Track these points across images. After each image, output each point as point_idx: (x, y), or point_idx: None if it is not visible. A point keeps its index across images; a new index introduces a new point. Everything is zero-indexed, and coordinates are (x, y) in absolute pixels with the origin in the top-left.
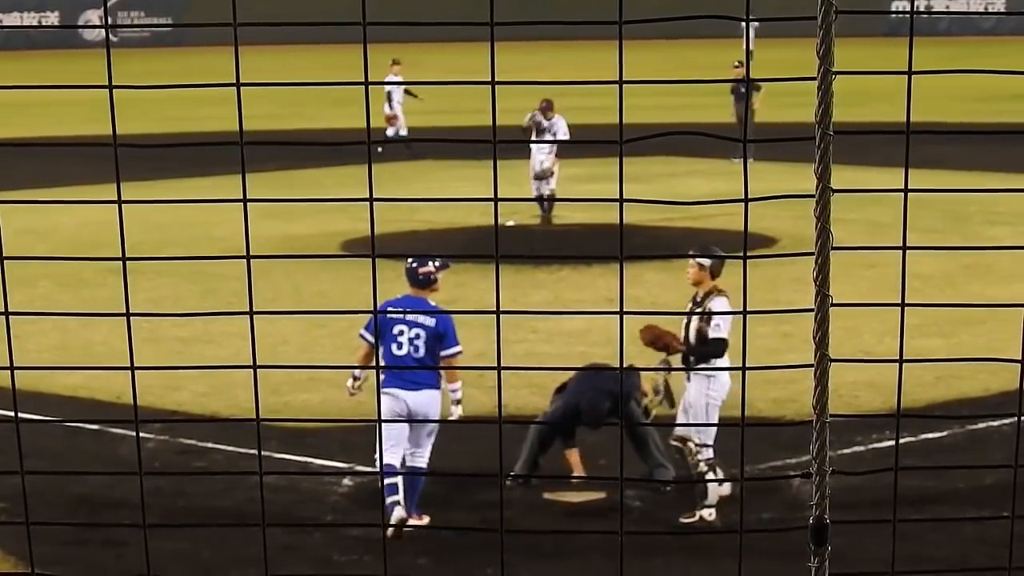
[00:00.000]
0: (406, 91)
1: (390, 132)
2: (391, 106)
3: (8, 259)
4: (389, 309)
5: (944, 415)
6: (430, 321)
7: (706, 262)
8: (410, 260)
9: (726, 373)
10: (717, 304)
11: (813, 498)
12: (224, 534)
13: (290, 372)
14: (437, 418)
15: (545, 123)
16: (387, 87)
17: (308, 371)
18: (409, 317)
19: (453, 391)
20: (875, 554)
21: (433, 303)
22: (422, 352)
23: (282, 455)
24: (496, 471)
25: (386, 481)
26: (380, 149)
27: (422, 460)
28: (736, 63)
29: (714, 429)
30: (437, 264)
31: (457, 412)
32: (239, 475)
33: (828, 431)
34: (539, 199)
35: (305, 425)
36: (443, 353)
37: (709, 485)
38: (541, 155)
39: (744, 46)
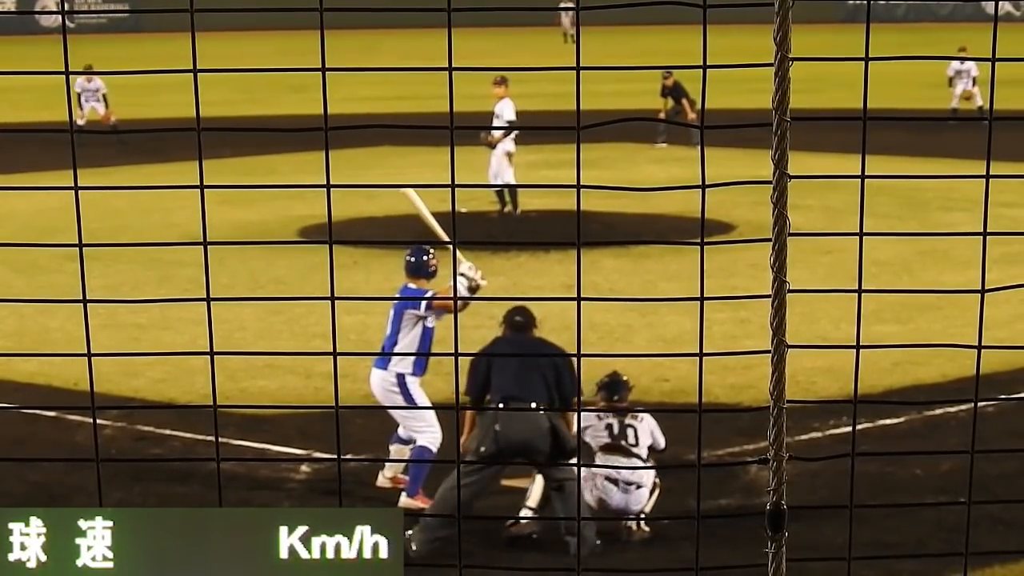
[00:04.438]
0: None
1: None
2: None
3: None
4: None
5: (901, 401)
6: (398, 301)
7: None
8: (408, 251)
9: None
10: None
11: (770, 484)
12: None
13: (247, 358)
14: (385, 398)
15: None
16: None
17: (265, 357)
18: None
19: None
20: (832, 539)
21: (414, 287)
22: (389, 329)
23: (239, 441)
24: (453, 457)
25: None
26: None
27: (419, 439)
28: (665, 73)
29: None
30: (427, 255)
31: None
32: (196, 461)
33: (785, 417)
34: (500, 189)
35: (262, 412)
36: (424, 309)
37: None
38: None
39: (702, 32)
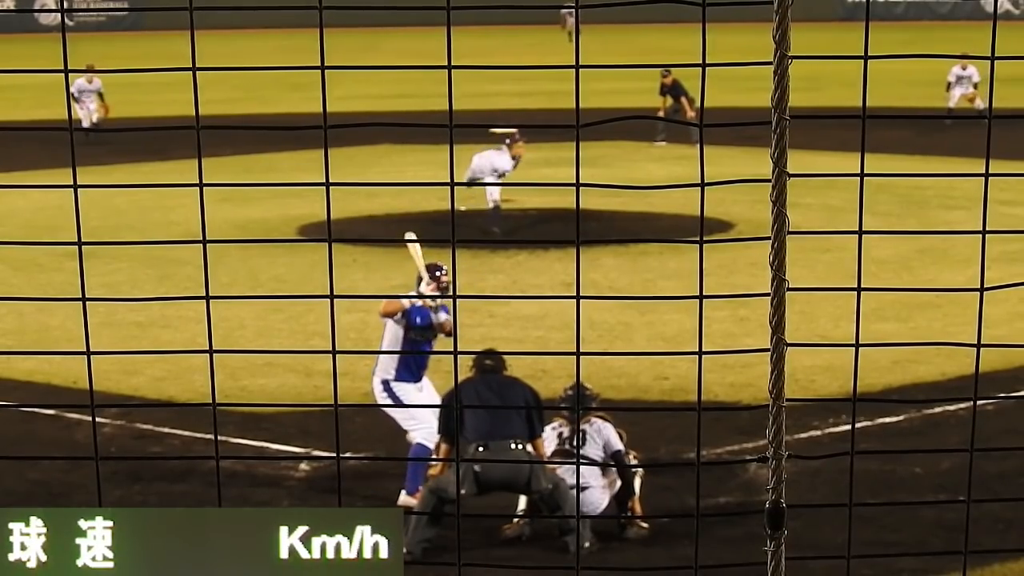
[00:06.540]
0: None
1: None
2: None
3: None
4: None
5: (900, 399)
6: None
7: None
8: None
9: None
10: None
11: (769, 482)
12: None
13: (247, 357)
14: (380, 402)
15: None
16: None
17: (265, 356)
18: None
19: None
20: (832, 538)
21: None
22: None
23: (239, 440)
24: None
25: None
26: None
27: (415, 437)
28: (664, 72)
29: None
30: (439, 271)
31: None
32: (196, 459)
33: (784, 415)
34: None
35: (262, 410)
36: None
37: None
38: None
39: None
